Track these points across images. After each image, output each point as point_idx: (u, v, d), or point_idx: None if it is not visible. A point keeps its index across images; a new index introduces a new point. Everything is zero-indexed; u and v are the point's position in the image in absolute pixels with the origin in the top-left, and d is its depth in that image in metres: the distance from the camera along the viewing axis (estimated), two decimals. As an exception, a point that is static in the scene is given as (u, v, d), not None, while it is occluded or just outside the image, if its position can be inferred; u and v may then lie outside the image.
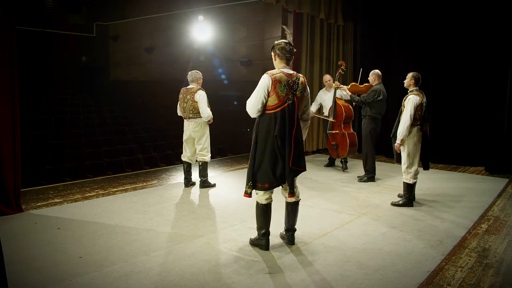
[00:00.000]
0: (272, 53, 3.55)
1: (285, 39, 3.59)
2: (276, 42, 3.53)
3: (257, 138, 3.47)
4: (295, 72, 3.49)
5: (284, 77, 3.38)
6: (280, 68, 3.46)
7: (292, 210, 3.65)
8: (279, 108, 3.37)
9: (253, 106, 3.43)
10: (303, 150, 3.53)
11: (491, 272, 3.26)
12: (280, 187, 3.59)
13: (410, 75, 5.00)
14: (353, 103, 6.66)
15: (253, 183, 3.49)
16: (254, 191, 3.53)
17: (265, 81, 3.38)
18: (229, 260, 3.37)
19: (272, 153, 3.40)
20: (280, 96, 3.36)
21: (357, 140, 6.87)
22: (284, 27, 3.86)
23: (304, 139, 3.74)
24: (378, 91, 6.09)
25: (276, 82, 3.35)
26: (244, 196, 3.53)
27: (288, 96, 3.39)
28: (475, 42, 7.41)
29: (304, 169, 3.53)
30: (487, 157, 7.24)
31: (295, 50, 3.59)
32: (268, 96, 3.38)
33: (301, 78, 3.50)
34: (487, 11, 7.25)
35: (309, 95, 3.63)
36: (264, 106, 3.42)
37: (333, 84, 6.81)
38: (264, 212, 3.55)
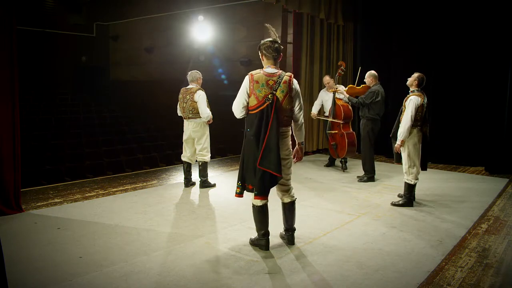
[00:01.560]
0: (259, 53, 3.49)
1: (270, 37, 3.48)
2: (262, 41, 3.47)
3: (245, 139, 3.47)
4: (278, 71, 3.41)
5: (263, 77, 3.34)
6: (264, 68, 3.43)
7: (289, 210, 3.65)
8: (259, 109, 3.34)
9: (235, 107, 3.44)
10: (278, 153, 3.31)
11: (491, 272, 3.26)
12: (276, 188, 3.57)
13: (415, 75, 4.97)
14: (351, 105, 6.67)
15: (242, 183, 3.48)
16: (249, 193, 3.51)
17: (245, 82, 3.38)
18: (229, 260, 3.37)
19: (254, 153, 3.37)
20: (259, 97, 3.33)
21: (356, 140, 6.88)
22: (268, 25, 3.65)
23: (301, 141, 3.62)
24: (376, 92, 6.09)
25: (254, 82, 3.33)
26: (235, 196, 3.51)
27: (267, 96, 3.33)
28: (475, 42, 7.41)
29: (277, 173, 3.31)
30: (487, 157, 7.24)
31: (282, 47, 3.50)
32: (249, 96, 3.37)
33: (286, 77, 3.39)
34: (487, 11, 7.24)
35: (299, 94, 3.50)
36: (247, 107, 3.41)
37: (332, 87, 6.82)
38: (260, 214, 3.54)
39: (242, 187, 3.48)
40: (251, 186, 3.42)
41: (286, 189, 3.61)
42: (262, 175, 3.34)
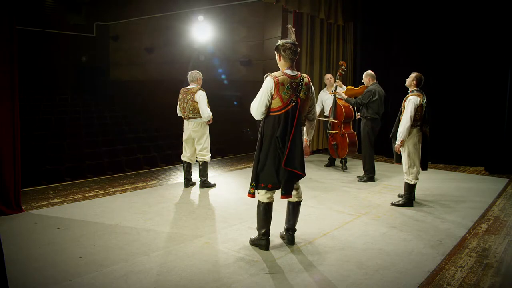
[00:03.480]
0: (277, 54, 3.49)
1: (287, 38, 3.52)
2: (280, 42, 3.46)
3: (262, 140, 3.48)
4: (299, 73, 3.46)
5: (287, 79, 3.37)
6: (284, 70, 3.44)
7: (293, 209, 3.66)
8: (283, 111, 3.36)
9: (257, 109, 3.44)
10: (302, 153, 3.43)
11: (491, 272, 3.26)
12: None
13: (413, 75, 4.98)
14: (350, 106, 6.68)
15: (256, 183, 3.50)
16: (256, 191, 3.54)
17: (268, 84, 3.37)
18: (229, 260, 3.37)
19: (275, 154, 3.41)
20: (284, 99, 3.36)
21: (357, 140, 6.88)
22: (289, 26, 3.73)
23: (311, 138, 3.76)
24: (373, 91, 6.10)
25: (279, 85, 3.34)
26: (248, 196, 3.55)
27: (291, 98, 3.37)
28: (475, 42, 7.41)
29: (302, 173, 3.43)
30: (487, 157, 7.24)
31: (299, 49, 3.55)
32: (272, 98, 3.37)
33: (305, 78, 3.47)
34: (487, 11, 7.24)
35: (314, 94, 3.62)
36: (268, 109, 3.41)
37: (333, 85, 6.83)
38: (265, 211, 3.56)
39: (256, 187, 3.51)
40: (271, 185, 3.45)
41: (295, 187, 3.63)
42: (288, 175, 3.42)
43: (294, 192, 3.62)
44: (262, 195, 3.53)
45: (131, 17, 13.05)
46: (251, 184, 3.52)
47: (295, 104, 3.38)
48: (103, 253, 3.46)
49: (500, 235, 4.09)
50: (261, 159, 3.47)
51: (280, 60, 3.48)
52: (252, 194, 3.53)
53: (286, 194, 3.47)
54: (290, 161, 3.38)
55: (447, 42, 7.73)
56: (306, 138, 3.75)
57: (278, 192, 3.62)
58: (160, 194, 5.43)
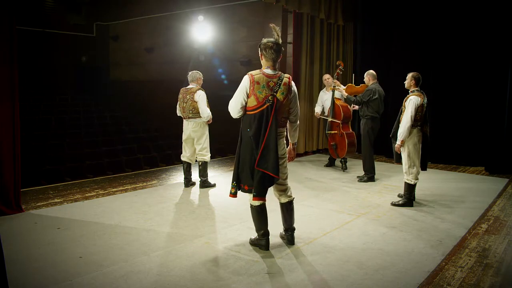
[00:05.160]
0: (259, 52, 3.46)
1: (274, 38, 3.43)
2: (263, 41, 3.42)
3: (241, 139, 3.45)
4: (279, 73, 3.40)
5: (264, 78, 3.33)
6: (263, 69, 3.41)
7: (287, 210, 3.64)
8: (258, 110, 3.32)
9: (233, 107, 3.42)
10: (276, 154, 3.31)
11: (491, 272, 3.26)
12: (273, 188, 3.56)
13: (410, 75, 4.99)
14: (350, 105, 6.68)
15: (237, 183, 3.47)
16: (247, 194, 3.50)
17: (244, 82, 3.36)
18: (229, 260, 3.37)
19: (251, 154, 3.37)
20: (259, 98, 3.31)
21: (356, 140, 6.88)
22: (272, 25, 3.56)
23: (295, 141, 3.67)
24: (373, 90, 6.12)
25: (254, 83, 3.31)
26: (230, 196, 3.51)
27: (267, 97, 3.32)
28: (475, 42, 7.41)
29: (274, 175, 3.31)
30: (487, 157, 7.24)
31: (283, 48, 3.48)
32: (248, 97, 3.35)
33: (285, 79, 3.40)
34: (487, 11, 7.25)
35: (297, 95, 3.53)
36: (244, 107, 3.39)
37: (331, 85, 6.85)
38: (258, 214, 3.53)
39: (237, 187, 3.48)
40: (247, 187, 3.41)
41: (283, 189, 3.61)
42: (261, 176, 3.34)
43: (282, 193, 3.60)
44: (252, 199, 3.50)
45: (131, 17, 13.02)
46: (232, 184, 3.49)
47: (271, 104, 3.31)
48: (103, 253, 3.47)
49: (500, 235, 4.09)
50: (241, 159, 3.44)
51: (262, 59, 3.44)
52: (233, 194, 3.48)
53: (258, 196, 3.38)
54: (262, 162, 3.30)
55: (447, 42, 7.73)
56: (290, 142, 3.68)
57: (272, 193, 3.62)
58: (160, 194, 5.43)
